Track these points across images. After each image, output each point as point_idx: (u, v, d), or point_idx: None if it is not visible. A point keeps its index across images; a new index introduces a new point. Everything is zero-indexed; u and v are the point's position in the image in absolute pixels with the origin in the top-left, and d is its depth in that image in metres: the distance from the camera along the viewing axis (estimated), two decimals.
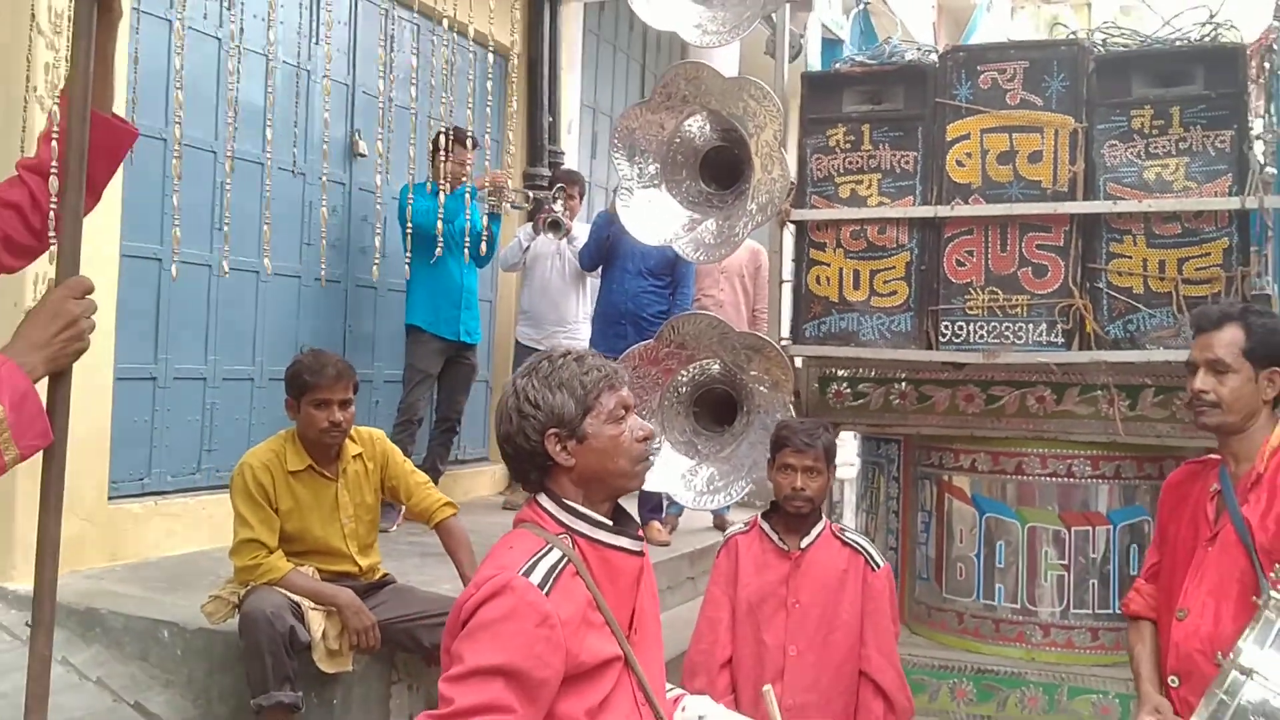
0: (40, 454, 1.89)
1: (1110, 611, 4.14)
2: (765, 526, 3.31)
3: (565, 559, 1.98)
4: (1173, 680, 2.71)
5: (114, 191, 4.54)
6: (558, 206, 6.42)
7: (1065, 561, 4.23)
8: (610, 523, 2.06)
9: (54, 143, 1.95)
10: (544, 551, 1.97)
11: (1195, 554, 2.70)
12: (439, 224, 3.81)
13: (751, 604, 3.25)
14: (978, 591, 4.38)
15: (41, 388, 1.90)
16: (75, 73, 1.92)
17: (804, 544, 3.25)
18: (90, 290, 1.96)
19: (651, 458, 2.15)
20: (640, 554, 2.10)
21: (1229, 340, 2.63)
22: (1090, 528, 4.19)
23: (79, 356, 1.95)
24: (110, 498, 4.73)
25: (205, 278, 5.28)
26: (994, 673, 4.19)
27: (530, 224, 6.68)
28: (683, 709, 2.26)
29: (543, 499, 2.08)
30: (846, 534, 3.36)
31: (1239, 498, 2.61)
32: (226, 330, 5.41)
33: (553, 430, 2.03)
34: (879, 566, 3.32)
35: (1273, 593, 2.37)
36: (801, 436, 3.23)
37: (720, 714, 2.27)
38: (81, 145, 1.92)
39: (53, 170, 1.91)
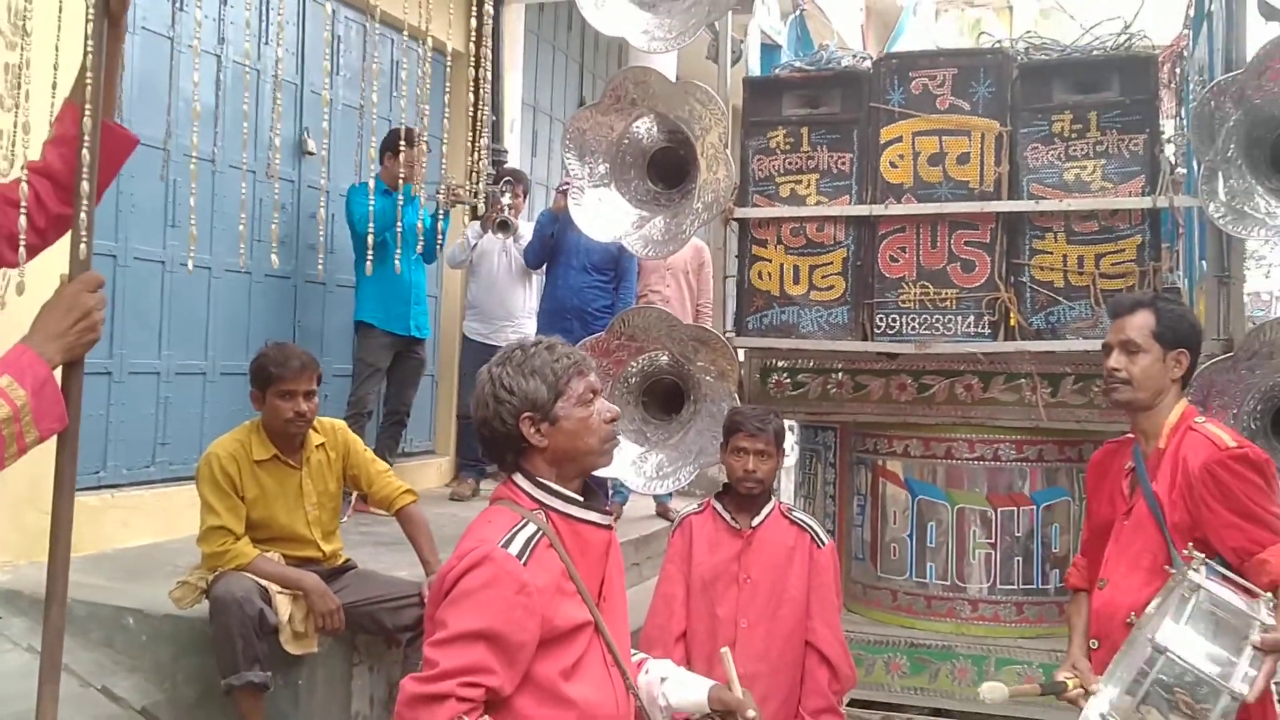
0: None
1: (1034, 587, 4.39)
2: (718, 507, 3.51)
3: (540, 532, 2.14)
4: (1093, 643, 2.94)
5: None
6: (505, 199, 6.55)
7: (992, 540, 4.46)
8: (581, 499, 2.23)
9: (61, 148, 2.09)
10: (520, 526, 2.14)
11: (1114, 527, 2.92)
12: (398, 225, 3.91)
13: (705, 580, 3.44)
14: (910, 570, 4.61)
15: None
16: (88, 83, 2.06)
17: (755, 523, 3.45)
18: (101, 284, 2.10)
19: (618, 437, 2.32)
20: (609, 528, 2.28)
21: (1140, 324, 2.85)
22: (1015, 508, 4.44)
23: (92, 346, 2.09)
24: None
25: (158, 274, 5.35)
26: (926, 646, 4.42)
27: (477, 222, 6.81)
28: (646, 671, 2.44)
29: (518, 478, 2.24)
30: (794, 514, 3.56)
31: (1150, 474, 2.82)
32: (179, 325, 5.48)
33: (527, 414, 2.18)
34: (824, 544, 3.53)
35: (1190, 572, 2.55)
36: (754, 422, 3.43)
37: (681, 674, 2.45)
38: (95, 150, 2.06)
39: (83, 176, 2.04)
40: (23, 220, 2.00)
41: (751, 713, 2.33)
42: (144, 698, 3.90)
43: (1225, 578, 2.59)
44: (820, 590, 3.48)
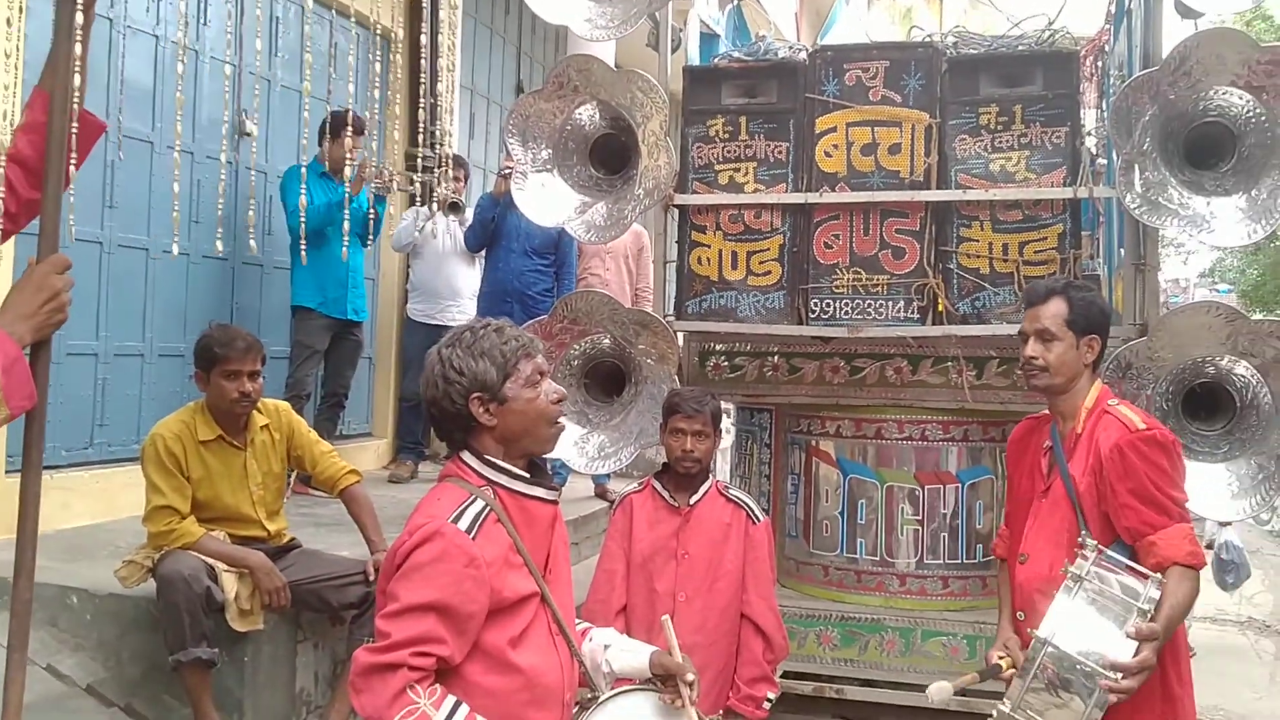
0: None
1: (959, 561, 4.57)
2: (657, 485, 3.62)
3: (488, 508, 2.23)
4: (1020, 615, 3.09)
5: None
6: (444, 186, 6.58)
7: (920, 517, 4.63)
8: (527, 475, 2.32)
9: (32, 135, 2.13)
10: (469, 502, 2.22)
11: (1033, 504, 3.06)
12: (345, 212, 3.92)
13: (645, 556, 3.55)
14: (841, 546, 4.76)
15: None
16: (58, 72, 2.10)
17: (693, 500, 3.57)
18: (69, 266, 2.15)
19: (562, 420, 2.41)
20: (554, 503, 2.37)
21: (1054, 312, 2.98)
22: (942, 486, 4.61)
23: (60, 326, 2.14)
24: (6, 471, 4.77)
25: (95, 255, 5.32)
26: (856, 620, 4.58)
27: (424, 207, 6.83)
28: (590, 639, 2.53)
29: (466, 456, 2.31)
30: (730, 491, 3.69)
31: (1066, 454, 2.96)
32: (117, 307, 5.45)
33: (476, 394, 2.25)
34: (759, 520, 3.66)
35: (1074, 566, 2.71)
36: (691, 403, 3.54)
37: (623, 641, 2.56)
38: (63, 137, 2.11)
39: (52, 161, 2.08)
40: None
41: (690, 676, 2.44)
42: (89, 675, 3.92)
43: (1118, 563, 2.74)
44: (755, 565, 3.60)
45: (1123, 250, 4.79)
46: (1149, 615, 2.60)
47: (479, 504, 2.21)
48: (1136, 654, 2.58)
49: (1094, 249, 5.51)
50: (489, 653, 2.18)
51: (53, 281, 2.11)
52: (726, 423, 6.22)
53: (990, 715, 2.70)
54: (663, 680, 2.46)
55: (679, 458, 3.52)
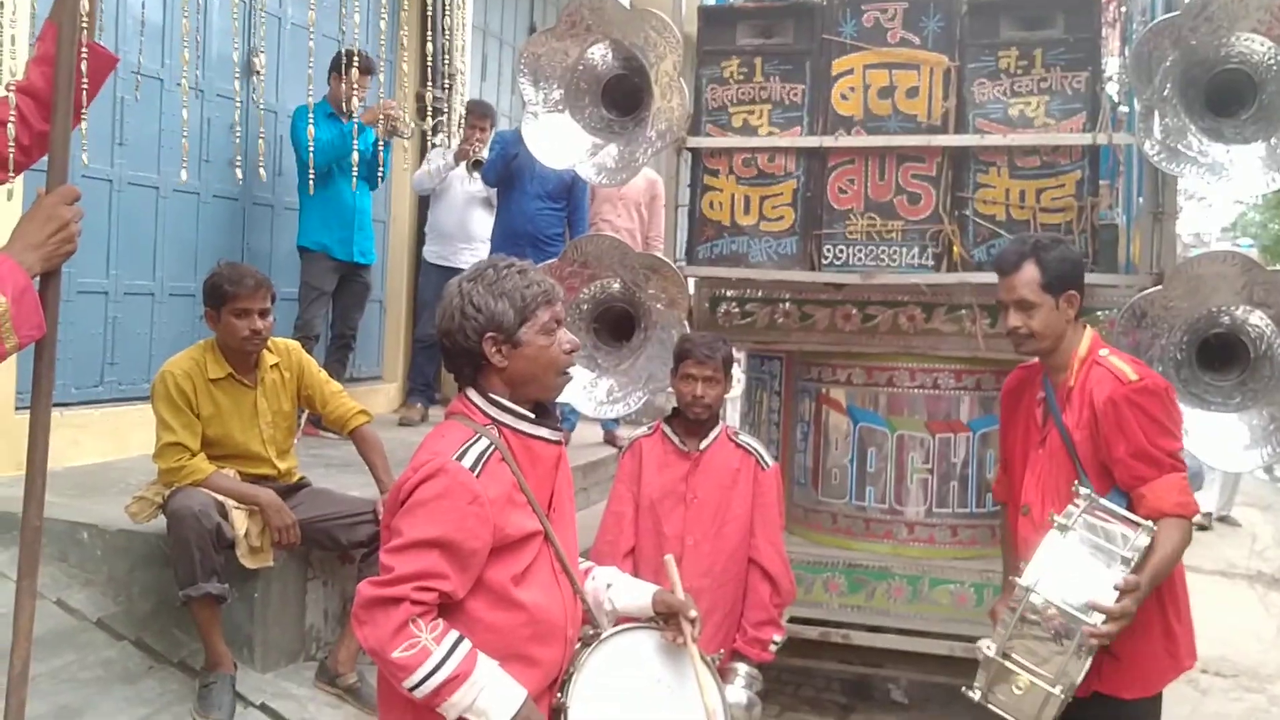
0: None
1: (968, 510, 4.57)
2: (667, 430, 3.61)
3: (492, 447, 2.21)
4: (1023, 565, 3.09)
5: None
6: (446, 144, 6.57)
7: (930, 466, 4.62)
8: (531, 416, 2.31)
9: (43, 66, 2.11)
10: (474, 440, 2.21)
11: (1030, 455, 3.06)
12: (351, 152, 3.89)
13: (653, 499, 3.55)
14: (850, 494, 4.76)
15: None
16: (66, 4, 2.08)
17: (702, 445, 3.56)
18: (78, 197, 2.14)
19: (570, 371, 2.39)
20: (559, 443, 2.35)
21: (1028, 279, 2.95)
22: (953, 435, 4.60)
23: (69, 257, 2.14)
24: (17, 408, 4.79)
25: (106, 193, 5.30)
26: (864, 567, 4.59)
27: (451, 154, 6.81)
28: (593, 578, 2.53)
29: (472, 394, 2.30)
30: (740, 437, 3.68)
31: (1060, 406, 2.96)
32: (127, 245, 5.45)
33: (490, 334, 2.23)
34: (768, 466, 3.65)
35: (1060, 515, 2.72)
36: (702, 349, 3.52)
37: (626, 580, 2.56)
38: (71, 69, 2.09)
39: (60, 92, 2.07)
40: (11, 129, 2.03)
41: (692, 613, 2.44)
42: (99, 610, 3.95)
43: (1110, 511, 2.74)
44: (763, 509, 3.60)
45: (1141, 200, 4.74)
46: (1133, 563, 2.61)
47: (483, 442, 2.20)
48: (1118, 601, 2.59)
49: (1112, 199, 5.45)
50: (492, 589, 2.19)
51: (61, 212, 2.10)
52: (737, 371, 6.22)
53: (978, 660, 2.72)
54: (665, 619, 2.46)
55: (689, 403, 3.51)
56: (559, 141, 4.47)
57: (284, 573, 4.01)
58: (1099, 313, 4.34)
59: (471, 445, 2.19)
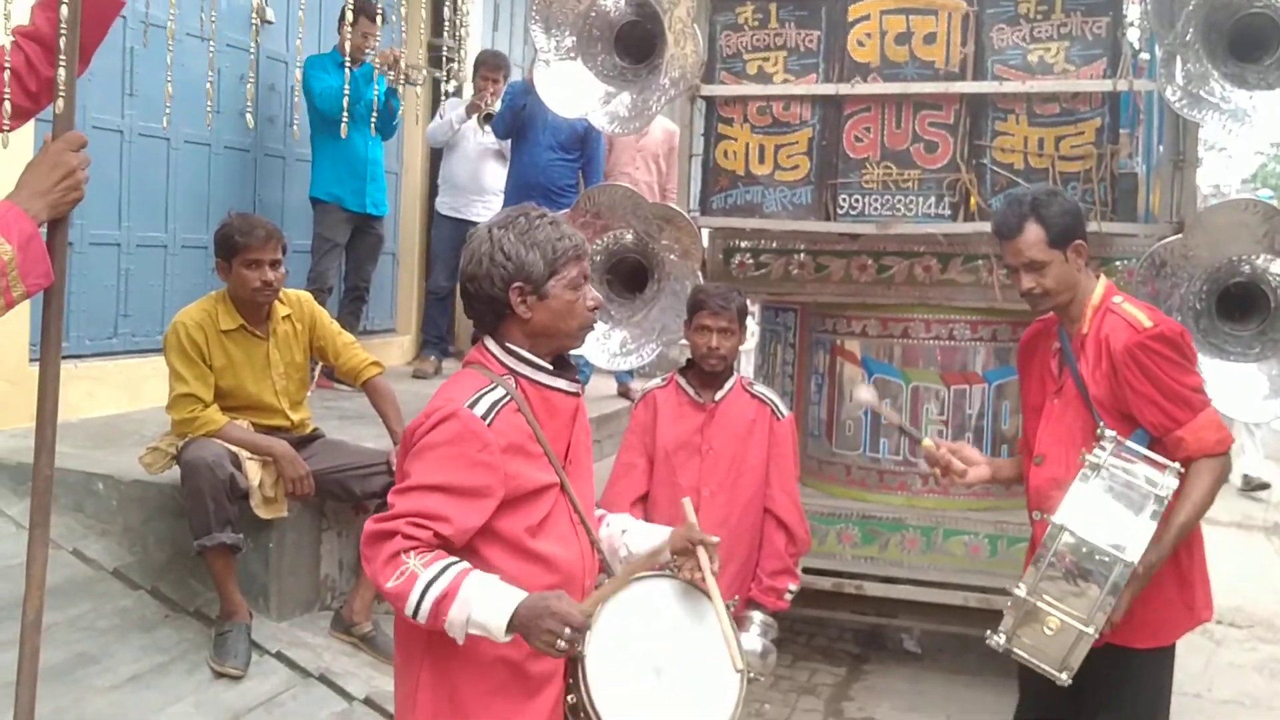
0: None
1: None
2: (682, 381, 3.58)
3: (507, 396, 2.20)
4: (1036, 515, 3.07)
5: None
6: (464, 92, 6.52)
7: (945, 417, 4.61)
8: (549, 367, 2.29)
9: (49, 12, 2.08)
10: (489, 389, 2.20)
11: (1045, 406, 3.03)
12: (345, 101, 3.86)
13: (668, 450, 3.53)
14: (864, 446, 4.76)
15: None
16: None
17: (717, 397, 3.54)
18: (84, 144, 2.12)
19: (592, 326, 2.37)
20: (577, 395, 2.34)
21: (1033, 240, 2.88)
22: (968, 386, 4.58)
23: (76, 204, 2.12)
24: (31, 360, 4.80)
25: (116, 144, 5.28)
26: (877, 518, 4.60)
27: (464, 106, 6.76)
28: (607, 525, 2.52)
29: (490, 343, 2.28)
30: (755, 387, 3.66)
31: (1075, 355, 2.93)
32: (139, 197, 5.43)
33: (518, 284, 2.19)
34: (784, 416, 3.63)
35: (1091, 454, 2.69)
36: (717, 300, 3.48)
37: (641, 526, 2.54)
38: (76, 12, 2.06)
39: (62, 33, 2.04)
40: (5, 75, 2.01)
41: (713, 539, 2.43)
42: (115, 560, 3.98)
43: (1136, 453, 2.72)
44: (779, 460, 3.59)
45: (1161, 148, 4.68)
46: (1165, 503, 2.60)
47: (498, 391, 2.19)
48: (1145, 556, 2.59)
49: (1132, 147, 5.38)
50: (507, 540, 2.18)
51: (68, 159, 2.08)
52: (751, 323, 6.20)
53: (1007, 602, 2.70)
54: (682, 557, 2.45)
55: (704, 354, 3.48)
56: (571, 90, 4.42)
57: (298, 523, 4.03)
58: (1118, 262, 4.31)
59: (486, 394, 2.17)
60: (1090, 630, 2.55)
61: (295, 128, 4.58)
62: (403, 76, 5.98)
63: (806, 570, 4.61)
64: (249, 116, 3.65)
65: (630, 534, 2.49)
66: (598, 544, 2.38)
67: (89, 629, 3.60)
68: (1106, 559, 2.55)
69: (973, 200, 4.29)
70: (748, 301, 4.77)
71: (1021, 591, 2.63)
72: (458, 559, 2.10)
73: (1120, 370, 2.80)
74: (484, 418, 2.13)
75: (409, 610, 2.06)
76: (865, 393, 2.94)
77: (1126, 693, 2.88)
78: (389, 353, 7.46)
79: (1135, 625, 2.79)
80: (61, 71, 2.10)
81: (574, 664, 2.24)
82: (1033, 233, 2.88)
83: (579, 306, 2.26)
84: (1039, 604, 2.61)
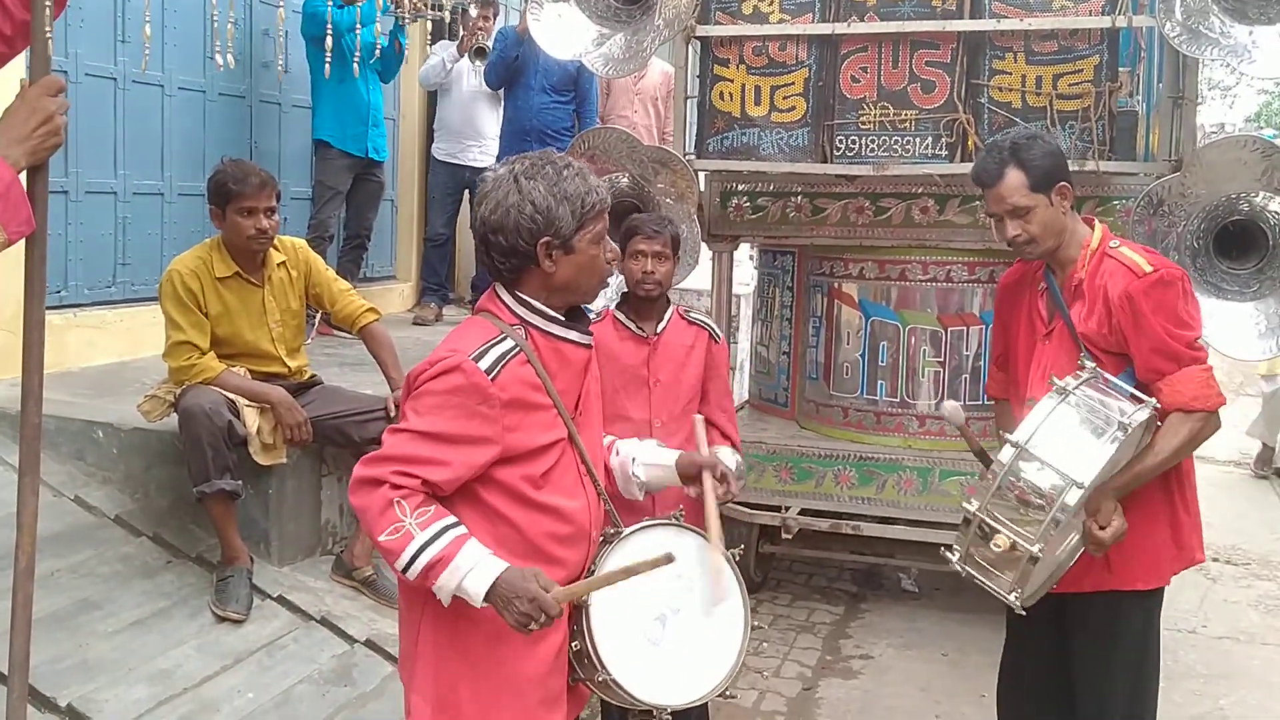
0: None
1: (980, 403, 4.52)
2: (620, 316, 3.53)
3: (516, 348, 2.16)
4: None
5: None
6: (473, 11, 6.45)
7: (941, 359, 4.61)
8: (562, 318, 2.25)
9: None
10: (497, 340, 2.16)
11: (1035, 348, 2.98)
12: (328, 40, 3.78)
13: (615, 386, 3.47)
14: (861, 388, 4.76)
15: None
16: None
17: (660, 329, 3.50)
18: (63, 89, 2.10)
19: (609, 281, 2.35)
20: (589, 346, 2.31)
21: (1015, 185, 2.81)
22: (965, 328, 4.58)
23: (55, 150, 2.10)
24: None
25: (110, 91, 5.25)
26: (874, 460, 4.61)
27: (455, 45, 6.70)
28: (616, 451, 2.52)
29: (502, 292, 2.24)
30: (691, 314, 3.63)
31: (1067, 299, 2.87)
32: (134, 145, 5.41)
33: (546, 238, 2.14)
34: (719, 339, 3.62)
35: (1055, 379, 2.63)
36: (650, 224, 3.43)
37: (649, 452, 2.54)
38: None
39: None
40: None
41: (721, 468, 2.44)
42: (117, 507, 4.01)
43: (1116, 387, 2.68)
44: (717, 381, 3.58)
45: (1161, 86, 4.63)
46: (1129, 429, 2.54)
47: (507, 343, 2.16)
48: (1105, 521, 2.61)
49: (1132, 85, 5.32)
50: (509, 489, 2.18)
51: (46, 104, 2.05)
52: (750, 269, 6.17)
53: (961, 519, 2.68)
54: (691, 482, 2.46)
55: (639, 280, 3.42)
56: (564, 32, 4.37)
57: (298, 469, 4.05)
58: (1115, 202, 4.28)
59: (494, 345, 2.14)
60: (1036, 549, 2.49)
61: (280, 66, 4.53)
62: (410, 11, 5.95)
63: (804, 511, 4.66)
64: (228, 57, 3.56)
65: (639, 462, 2.51)
66: (605, 495, 2.38)
67: (91, 575, 3.64)
68: (1058, 479, 2.51)
69: (970, 140, 4.25)
70: (745, 245, 4.75)
71: (972, 506, 2.59)
72: (454, 521, 2.11)
73: (1116, 314, 2.75)
74: (489, 371, 2.10)
75: (399, 566, 2.08)
76: (951, 408, 2.91)
77: (1118, 633, 2.87)
78: (390, 300, 7.46)
79: (1126, 567, 2.79)
80: (37, 14, 2.07)
81: (578, 611, 2.26)
82: (1014, 178, 2.81)
83: (600, 261, 2.23)
84: (988, 520, 2.56)
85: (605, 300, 4.44)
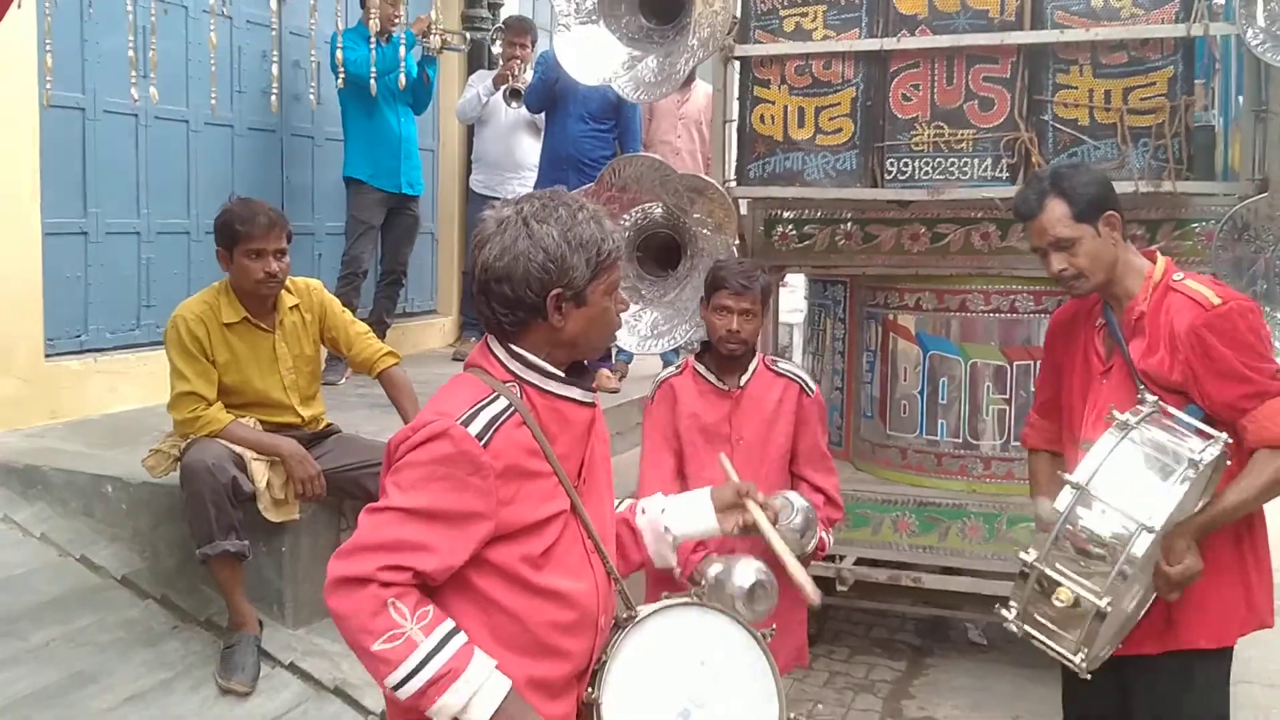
0: None
1: None
2: (700, 368, 3.28)
3: (510, 409, 1.90)
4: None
5: (29, 35, 4.35)
6: (496, 49, 6.27)
7: (1006, 396, 4.32)
8: (562, 375, 1.99)
9: None
10: (489, 400, 1.90)
11: (1090, 387, 2.76)
12: (372, 72, 3.63)
13: (696, 444, 3.24)
14: (921, 428, 4.48)
15: None
16: None
17: (743, 381, 3.24)
18: None
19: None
20: (592, 405, 2.04)
21: (1057, 216, 2.63)
22: (1032, 362, 4.26)
23: None
24: (47, 355, 4.66)
25: (131, 127, 5.11)
26: (936, 505, 4.33)
27: (491, 79, 6.52)
28: (642, 510, 2.24)
29: (495, 346, 1.98)
30: (779, 365, 3.36)
31: (1126, 334, 2.67)
32: (158, 182, 5.27)
33: (558, 289, 1.91)
34: (812, 392, 3.33)
35: (1116, 413, 2.44)
36: (739, 279, 3.16)
37: (677, 501, 2.27)
38: None
39: None
40: None
41: (760, 497, 2.19)
42: (124, 566, 3.82)
43: (1182, 422, 2.48)
44: (808, 437, 3.29)
45: (1241, 99, 4.30)
46: (1200, 467, 2.33)
47: (500, 403, 1.89)
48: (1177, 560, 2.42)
49: (1208, 98, 4.99)
50: (505, 572, 1.91)
51: None
52: (798, 298, 5.89)
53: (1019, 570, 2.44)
54: (730, 512, 2.20)
55: (723, 338, 3.16)
56: (593, 55, 4.16)
57: (314, 524, 3.83)
58: (1194, 225, 3.98)
59: (485, 406, 1.88)
60: (1104, 603, 2.27)
61: (312, 98, 4.37)
62: (439, 43, 5.76)
63: (860, 561, 4.38)
64: (274, 98, 3.38)
65: (670, 513, 2.23)
66: (615, 574, 2.10)
67: (90, 644, 3.44)
68: (1124, 524, 2.30)
69: (1034, 160, 3.98)
70: (787, 275, 4.48)
71: (1030, 557, 2.38)
72: (454, 625, 1.86)
73: (1183, 350, 2.55)
74: (480, 436, 1.84)
75: (392, 682, 1.81)
76: (1048, 510, 2.64)
77: (1183, 700, 2.64)
78: (430, 335, 7.27)
79: (1192, 624, 2.59)
80: None
81: (588, 709, 2.01)
82: (1055, 209, 2.63)
83: (612, 313, 1.99)
84: (1049, 572, 2.35)
85: (666, 345, 4.21)
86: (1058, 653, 2.42)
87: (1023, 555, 2.40)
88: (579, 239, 1.90)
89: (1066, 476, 2.37)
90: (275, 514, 3.57)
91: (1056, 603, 2.35)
